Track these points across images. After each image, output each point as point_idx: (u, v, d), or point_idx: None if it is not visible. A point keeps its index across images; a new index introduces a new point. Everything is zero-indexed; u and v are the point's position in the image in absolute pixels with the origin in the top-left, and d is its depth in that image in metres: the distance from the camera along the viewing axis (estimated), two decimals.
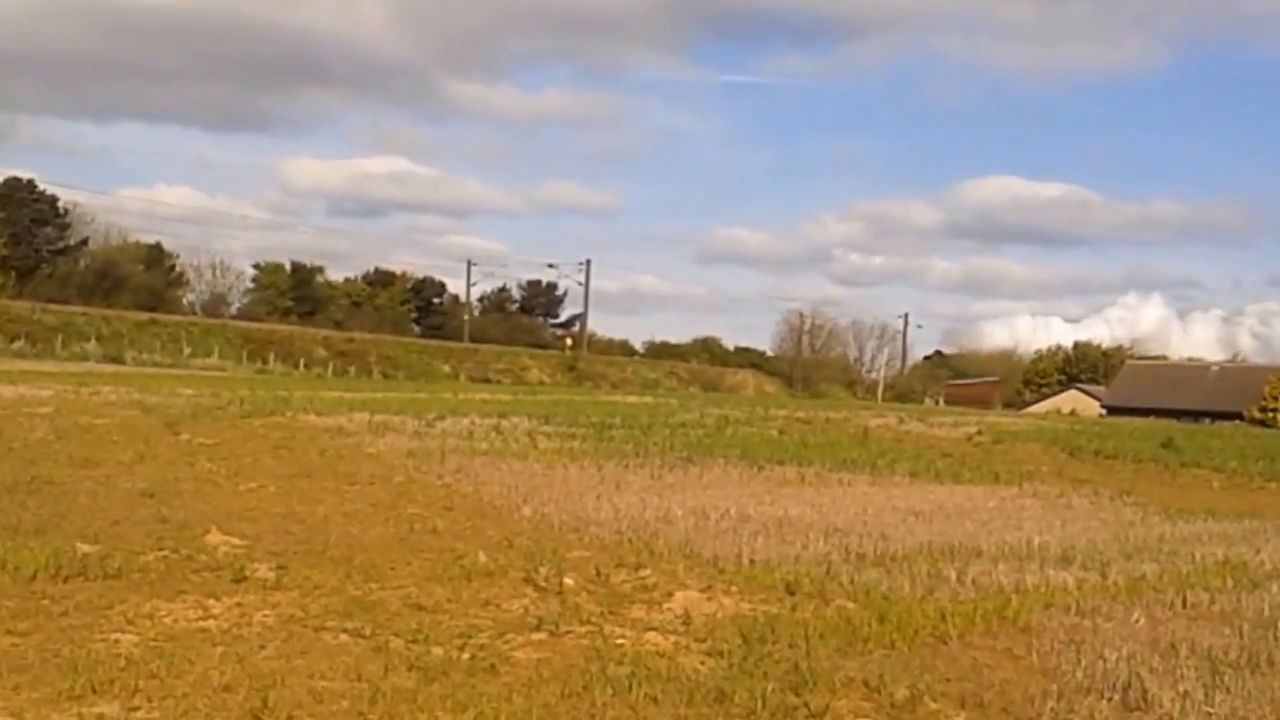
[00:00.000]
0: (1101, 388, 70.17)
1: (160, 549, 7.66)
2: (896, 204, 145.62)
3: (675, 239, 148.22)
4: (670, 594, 7.08)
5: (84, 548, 7.40)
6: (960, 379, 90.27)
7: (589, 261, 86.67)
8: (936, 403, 69.22)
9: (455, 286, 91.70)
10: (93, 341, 57.66)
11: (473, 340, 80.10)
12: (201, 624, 6.00)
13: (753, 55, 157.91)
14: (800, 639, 6.12)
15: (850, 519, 10.89)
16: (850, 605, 7.00)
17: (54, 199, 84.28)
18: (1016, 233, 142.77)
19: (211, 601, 6.40)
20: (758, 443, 19.31)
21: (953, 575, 8.09)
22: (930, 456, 18.55)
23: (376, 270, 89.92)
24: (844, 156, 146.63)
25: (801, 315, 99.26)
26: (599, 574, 7.57)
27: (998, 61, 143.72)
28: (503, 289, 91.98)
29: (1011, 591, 7.66)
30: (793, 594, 7.28)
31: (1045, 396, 72.51)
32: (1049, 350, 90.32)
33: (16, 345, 53.67)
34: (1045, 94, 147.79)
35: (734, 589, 7.34)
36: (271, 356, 62.70)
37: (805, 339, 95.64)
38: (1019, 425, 28.43)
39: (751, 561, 8.29)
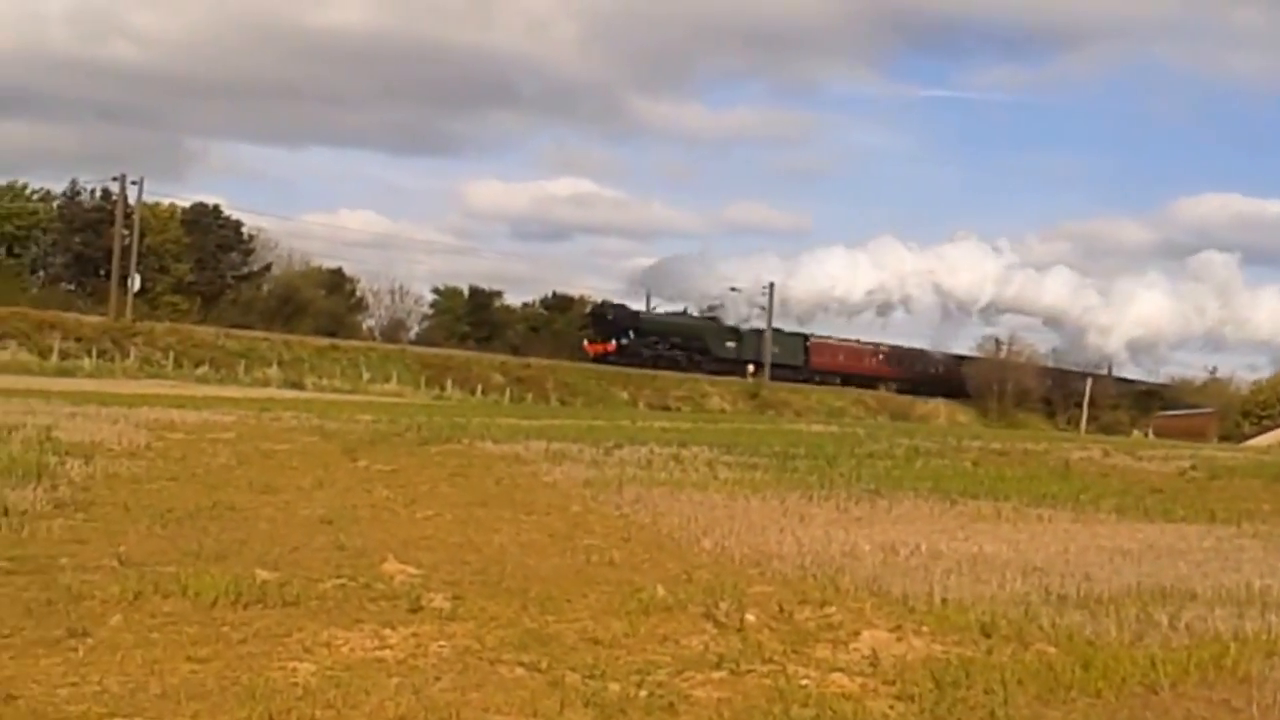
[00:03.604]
0: None
1: (338, 577, 7.85)
2: (1105, 223, 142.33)
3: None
4: (857, 633, 6.99)
5: (263, 574, 7.61)
6: (1171, 409, 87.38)
7: (772, 285, 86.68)
8: (1145, 435, 67.16)
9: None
10: (274, 367, 59.58)
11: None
12: (378, 654, 6.12)
13: (954, 69, 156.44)
14: (997, 685, 5.98)
15: (1050, 557, 10.61)
16: (1051, 650, 6.81)
17: (239, 224, 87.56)
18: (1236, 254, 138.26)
19: (388, 631, 6.52)
20: (950, 475, 18.97)
21: (1164, 620, 7.81)
22: (1138, 492, 17.98)
23: (555, 294, 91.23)
24: (1048, 174, 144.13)
25: (998, 341, 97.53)
26: (782, 611, 7.51)
27: (1221, 71, 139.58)
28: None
29: (1230, 639, 7.35)
30: (988, 636, 7.11)
31: (1267, 429, 69.66)
32: (1271, 380, 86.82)
33: (201, 370, 55.78)
34: (1273, 104, 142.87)
35: (925, 629, 7.21)
36: (449, 382, 63.94)
37: (1001, 366, 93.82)
38: (1237, 459, 27.40)
39: (944, 601, 8.12)
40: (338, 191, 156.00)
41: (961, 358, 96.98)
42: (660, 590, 7.86)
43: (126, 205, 65.21)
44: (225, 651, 6.00)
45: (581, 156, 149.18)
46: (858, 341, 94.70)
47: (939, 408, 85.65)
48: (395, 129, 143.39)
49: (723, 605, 7.45)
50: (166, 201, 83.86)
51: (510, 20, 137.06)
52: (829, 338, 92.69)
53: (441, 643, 6.36)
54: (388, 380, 61.21)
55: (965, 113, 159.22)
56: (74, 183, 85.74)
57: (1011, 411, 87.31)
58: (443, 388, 62.61)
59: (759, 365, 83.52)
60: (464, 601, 7.29)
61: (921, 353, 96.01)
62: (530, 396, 64.73)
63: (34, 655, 5.75)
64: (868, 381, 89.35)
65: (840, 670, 6.20)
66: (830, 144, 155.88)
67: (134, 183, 64.82)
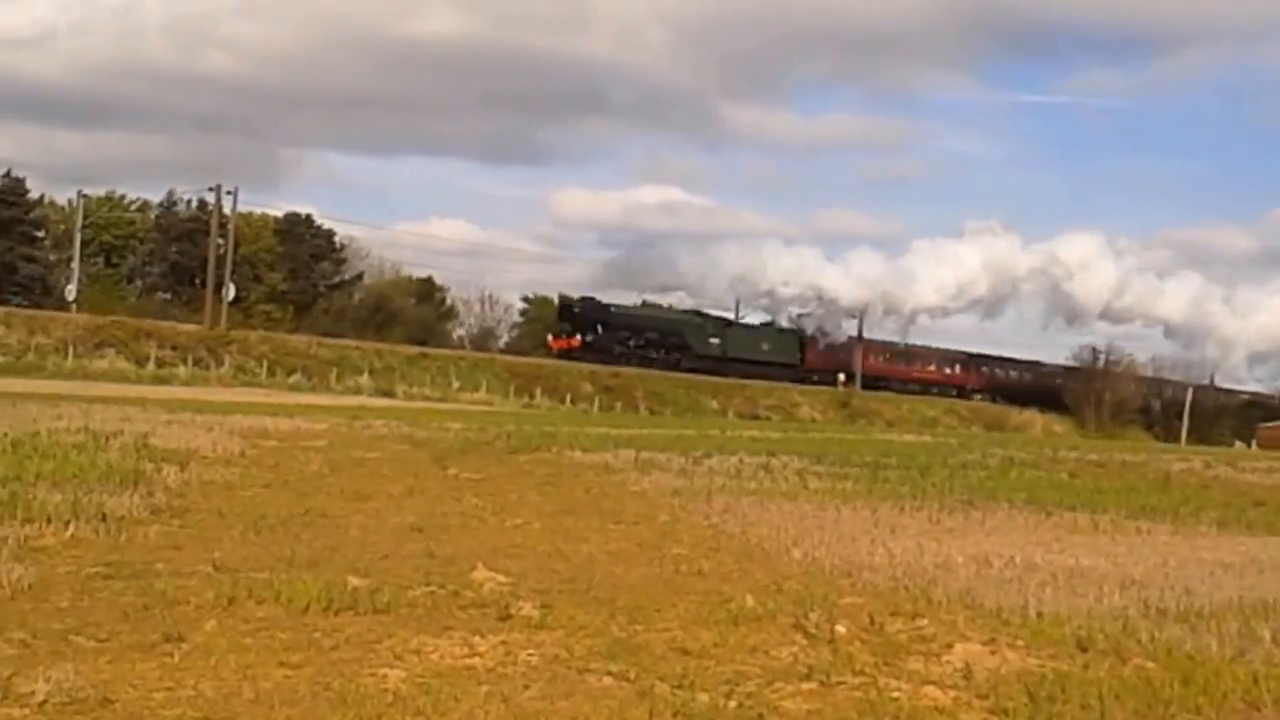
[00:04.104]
0: None
1: (428, 584, 7.91)
2: (1205, 230, 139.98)
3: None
4: (950, 646, 6.92)
5: (355, 581, 7.69)
6: (1276, 420, 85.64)
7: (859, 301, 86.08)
8: (1248, 446, 65.91)
9: None
10: (365, 375, 60.20)
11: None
12: (467, 661, 6.16)
13: (1051, 74, 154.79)
14: (1094, 700, 5.90)
15: (1149, 571, 10.45)
16: (1150, 665, 6.70)
17: (331, 234, 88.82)
18: None
19: (477, 639, 6.56)
20: (1046, 486, 18.75)
21: (1267, 636, 7.65)
22: (1241, 505, 17.66)
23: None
24: (1146, 180, 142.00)
25: (1095, 350, 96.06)
26: (873, 622, 7.46)
27: None
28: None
29: None
30: (1085, 650, 7.02)
31: None
32: None
33: (293, 379, 56.51)
34: None
35: (1019, 643, 7.13)
36: (538, 391, 64.23)
37: (1098, 375, 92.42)
38: None
39: (1039, 614, 8.02)
40: (428, 200, 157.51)
41: (972, 355, 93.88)
42: (749, 600, 7.85)
43: (222, 215, 66.27)
44: (317, 657, 6.07)
45: (671, 164, 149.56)
46: (869, 340, 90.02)
47: (1034, 417, 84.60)
48: (486, 138, 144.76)
49: (813, 616, 7.42)
50: (260, 211, 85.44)
51: (602, 27, 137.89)
52: (832, 335, 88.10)
53: (530, 651, 6.39)
54: (477, 389, 61.62)
55: (1060, 118, 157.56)
56: (171, 193, 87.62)
57: (1109, 422, 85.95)
58: (532, 396, 62.94)
59: (849, 375, 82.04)
60: (553, 610, 7.32)
61: (928, 350, 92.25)
62: (619, 405, 64.83)
63: (131, 659, 5.85)
64: (869, 383, 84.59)
65: (933, 683, 6.15)
66: (924, 150, 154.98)
67: (229, 193, 65.91)
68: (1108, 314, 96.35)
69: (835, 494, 15.65)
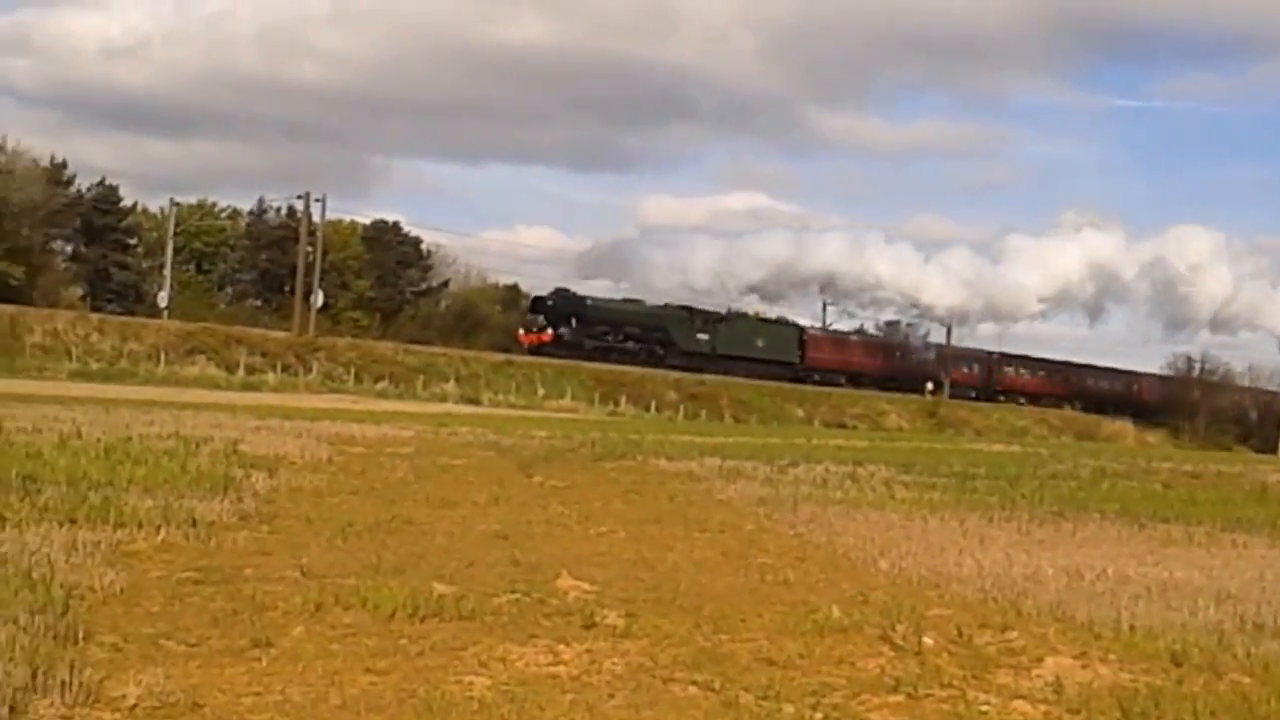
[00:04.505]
0: None
1: (513, 592, 7.94)
2: None
3: None
4: (1040, 659, 6.84)
5: (440, 588, 7.74)
6: None
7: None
8: None
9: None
10: (451, 382, 60.70)
11: None
12: (551, 669, 6.18)
13: (1145, 78, 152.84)
14: (1188, 716, 5.80)
15: (1245, 584, 10.25)
16: (1246, 680, 6.58)
17: (418, 241, 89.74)
18: None
19: (562, 647, 6.58)
20: (1138, 498, 18.47)
21: None
22: None
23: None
24: (1245, 186, 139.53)
25: (1189, 358, 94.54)
26: (961, 634, 7.39)
27: None
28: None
29: None
30: (1179, 665, 6.90)
31: None
32: None
33: (380, 385, 57.11)
34: None
35: (1111, 657, 7.02)
36: (622, 398, 64.38)
37: (1193, 385, 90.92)
38: None
39: (1131, 627, 7.90)
40: (515, 207, 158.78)
41: (991, 353, 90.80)
42: (836, 611, 7.80)
43: (310, 222, 67.11)
44: (403, 664, 6.12)
45: (757, 170, 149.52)
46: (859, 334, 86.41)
47: (1126, 428, 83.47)
48: (572, 144, 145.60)
49: (900, 627, 7.36)
50: (349, 219, 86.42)
51: (688, 33, 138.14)
52: (837, 331, 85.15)
53: (615, 660, 6.39)
54: (562, 396, 61.88)
55: (1156, 123, 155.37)
56: (260, 201, 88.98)
57: (1205, 433, 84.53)
58: (616, 404, 63.09)
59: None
60: (637, 619, 7.33)
61: (933, 345, 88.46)
62: (704, 413, 64.83)
63: (220, 664, 5.93)
64: (876, 380, 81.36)
65: (1022, 697, 6.08)
66: (1015, 156, 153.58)
67: (318, 200, 66.78)
68: (1217, 321, 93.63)
69: (922, 504, 15.53)
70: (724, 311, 79.48)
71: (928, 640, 7.12)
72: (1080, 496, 17.84)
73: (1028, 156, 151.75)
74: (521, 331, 73.16)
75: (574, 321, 71.95)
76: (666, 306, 77.81)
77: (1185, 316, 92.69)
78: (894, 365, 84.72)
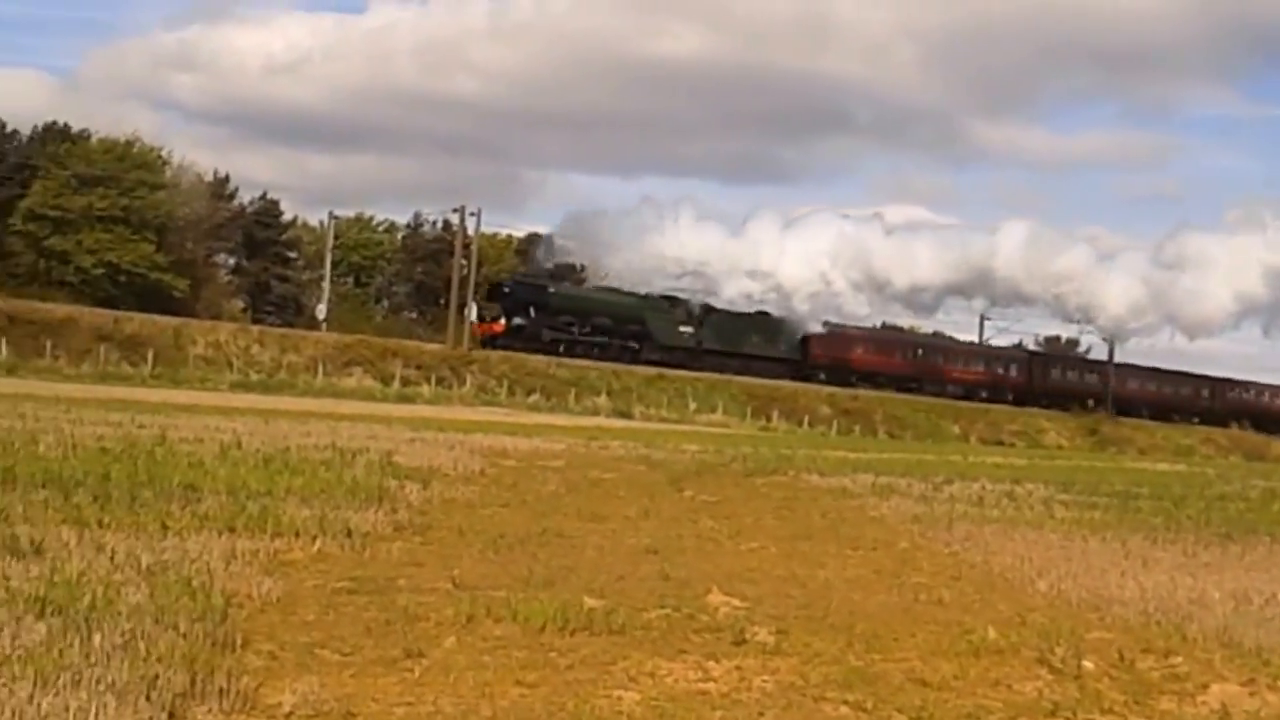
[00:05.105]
0: None
1: (662, 607, 7.95)
2: None
3: None
4: (1205, 686, 6.65)
5: (590, 602, 7.78)
6: None
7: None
8: None
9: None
10: (603, 396, 61.04)
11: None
12: (701, 686, 6.17)
13: None
14: None
15: None
16: None
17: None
18: None
19: (711, 663, 6.57)
20: None
21: None
22: None
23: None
24: None
25: None
26: (1122, 658, 7.22)
27: None
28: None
29: None
30: None
31: None
32: None
33: (533, 398, 57.70)
34: None
35: None
36: (775, 413, 64.16)
37: None
38: None
39: None
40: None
41: (1033, 353, 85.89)
42: (992, 632, 7.68)
43: (465, 236, 68.03)
44: (553, 677, 6.16)
45: (916, 183, 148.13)
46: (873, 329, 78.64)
47: None
48: (728, 157, 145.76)
49: (1058, 650, 7.22)
50: (504, 232, 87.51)
51: (847, 45, 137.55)
52: (845, 326, 77.41)
53: (765, 677, 6.37)
54: (714, 411, 61.85)
55: None
56: (416, 214, 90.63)
57: None
58: (768, 418, 62.89)
59: (1098, 399, 78.29)
60: (788, 636, 7.29)
61: (952, 343, 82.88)
62: (858, 429, 64.33)
63: (373, 674, 6.03)
64: (893, 380, 75.20)
65: None
66: (1186, 167, 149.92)
67: (473, 214, 67.66)
68: None
69: (1083, 524, 15.21)
70: (711, 302, 72.86)
71: (1088, 664, 6.97)
72: (1249, 518, 17.31)
73: (1200, 168, 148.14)
74: (475, 322, 67.22)
75: (533, 311, 66.06)
76: (646, 296, 71.40)
77: None
78: (913, 364, 78.66)
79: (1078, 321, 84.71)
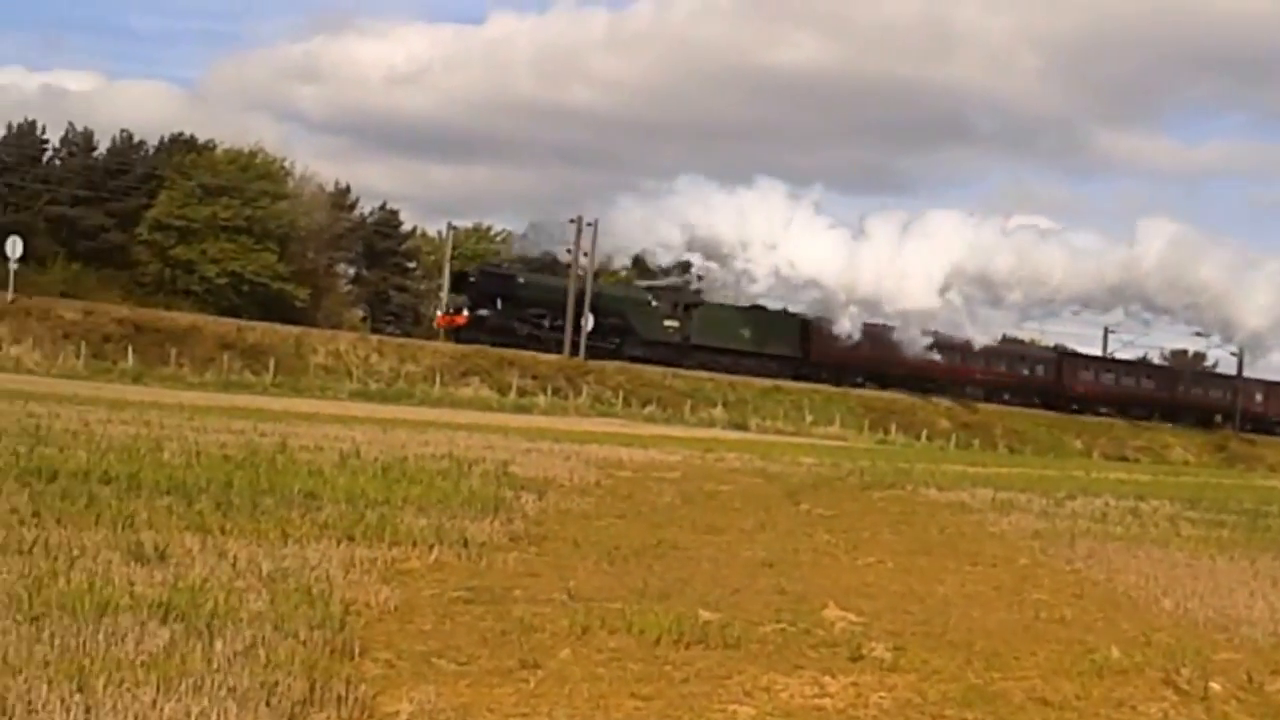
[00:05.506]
0: None
1: (778, 621, 7.93)
2: None
3: None
4: None
5: (705, 615, 7.78)
6: None
7: None
8: None
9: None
10: (719, 407, 61.02)
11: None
12: (817, 702, 6.14)
13: None
14: None
15: None
16: None
17: (687, 265, 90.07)
18: None
19: (827, 679, 6.53)
20: None
21: None
22: None
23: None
24: None
25: None
26: (1251, 680, 7.05)
27: None
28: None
29: None
30: None
31: None
32: None
33: (648, 409, 57.81)
34: None
35: None
36: (893, 426, 63.69)
37: None
38: None
39: None
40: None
41: (1057, 351, 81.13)
42: (1115, 651, 7.55)
43: (581, 246, 68.30)
44: (668, 690, 6.16)
45: (1039, 193, 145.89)
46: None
47: None
48: (846, 166, 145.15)
49: (1184, 671, 7.07)
50: None
51: (968, 54, 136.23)
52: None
53: (882, 694, 6.32)
54: (831, 423, 61.54)
55: None
56: (533, 225, 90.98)
57: None
58: (886, 432, 62.43)
59: (1227, 414, 76.24)
60: (905, 652, 7.23)
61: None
62: (977, 443, 63.57)
63: (489, 684, 6.08)
64: (917, 382, 70.79)
65: None
66: None
67: (589, 224, 67.90)
68: None
69: (1210, 542, 14.89)
70: (699, 295, 69.14)
71: (1215, 686, 6.83)
72: None
73: None
74: (439, 314, 65.51)
75: (500, 302, 63.54)
76: (629, 287, 69.46)
77: None
78: (927, 362, 72.14)
79: (1207, 335, 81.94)
